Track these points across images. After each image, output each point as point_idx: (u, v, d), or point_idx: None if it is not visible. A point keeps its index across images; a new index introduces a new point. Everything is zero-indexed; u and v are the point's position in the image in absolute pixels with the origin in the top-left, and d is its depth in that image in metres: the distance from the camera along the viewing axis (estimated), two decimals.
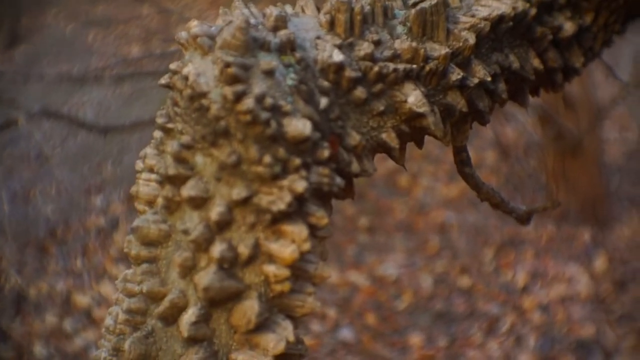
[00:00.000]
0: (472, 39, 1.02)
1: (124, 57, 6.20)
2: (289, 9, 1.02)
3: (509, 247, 4.47)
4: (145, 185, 0.93)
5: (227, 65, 0.86)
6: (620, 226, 4.57)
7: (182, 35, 0.93)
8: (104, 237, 4.43)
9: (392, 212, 4.96)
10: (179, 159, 0.90)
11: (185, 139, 0.90)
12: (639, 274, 4.13)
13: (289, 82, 0.90)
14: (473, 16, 1.05)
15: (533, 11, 1.10)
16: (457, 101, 1.04)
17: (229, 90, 0.86)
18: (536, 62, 1.14)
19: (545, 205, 1.34)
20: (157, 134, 0.94)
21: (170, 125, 0.92)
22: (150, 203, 0.93)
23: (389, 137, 1.00)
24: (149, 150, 0.95)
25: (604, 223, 4.60)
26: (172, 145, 0.90)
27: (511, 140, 5.48)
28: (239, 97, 0.86)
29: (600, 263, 4.25)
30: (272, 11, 0.95)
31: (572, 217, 4.60)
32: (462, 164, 1.21)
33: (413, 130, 1.03)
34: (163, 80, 0.94)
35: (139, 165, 0.95)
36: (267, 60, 0.89)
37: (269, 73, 0.88)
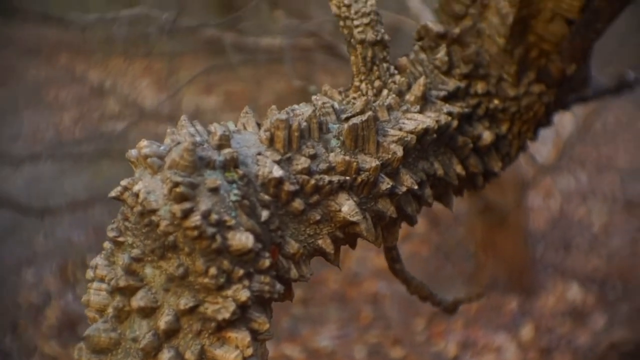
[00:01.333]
0: (399, 152, 1.11)
1: (56, 128, 6.18)
2: (231, 125, 1.09)
3: (440, 317, 4.57)
4: (96, 295, 0.98)
5: (176, 184, 0.93)
6: (546, 294, 4.72)
7: (133, 153, 1.00)
8: (35, 313, 4.36)
9: (326, 283, 5.02)
10: (129, 271, 0.96)
11: (136, 252, 0.96)
12: (563, 341, 4.27)
13: (233, 197, 0.97)
14: (400, 129, 1.14)
15: (455, 123, 1.20)
16: (387, 208, 1.13)
17: (177, 208, 0.92)
18: (459, 168, 1.24)
19: (470, 297, 1.43)
20: (108, 245, 1.00)
21: (120, 239, 0.98)
22: (101, 311, 0.98)
23: (325, 243, 1.08)
24: (99, 260, 1.00)
25: (530, 291, 4.75)
26: (122, 258, 0.96)
27: (441, 209, 5.63)
28: (186, 214, 0.92)
29: (526, 331, 4.37)
30: (217, 130, 1.03)
31: (500, 286, 4.73)
32: (393, 261, 1.30)
33: (347, 235, 1.11)
34: (113, 193, 1.00)
35: (90, 274, 1.00)
36: (212, 179, 0.96)
37: (214, 190, 0.95)
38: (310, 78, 3.79)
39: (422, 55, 1.28)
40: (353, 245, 1.17)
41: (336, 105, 1.18)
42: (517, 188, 4.61)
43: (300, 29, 3.17)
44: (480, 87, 1.25)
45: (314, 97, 1.22)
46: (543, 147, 4.63)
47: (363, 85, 1.24)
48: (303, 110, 1.12)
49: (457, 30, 1.25)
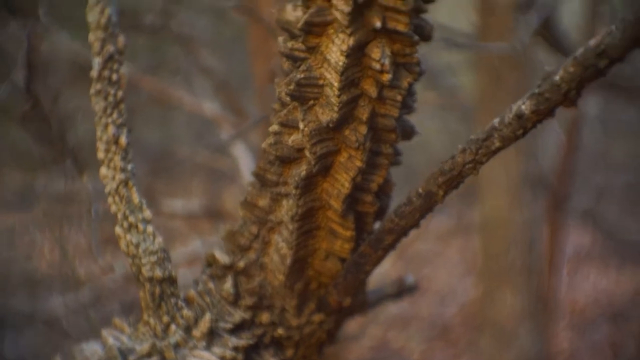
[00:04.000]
0: None
1: None
2: None
3: None
4: None
5: None
6: None
7: None
8: None
9: None
10: None
11: None
12: None
13: None
14: None
15: (240, 357, 1.26)
16: None
17: None
18: None
19: None
20: None
21: None
22: None
23: None
24: None
25: None
26: None
27: None
28: None
29: None
30: None
31: None
32: None
33: None
34: None
35: None
36: None
37: None
38: None
39: (210, 285, 1.34)
40: None
41: (125, 342, 1.21)
42: None
43: None
44: (264, 317, 1.32)
45: (104, 332, 1.24)
46: None
47: (152, 320, 1.27)
48: (91, 353, 1.14)
49: (241, 264, 1.33)
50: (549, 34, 3.22)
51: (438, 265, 5.85)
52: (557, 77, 1.01)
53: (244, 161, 2.92)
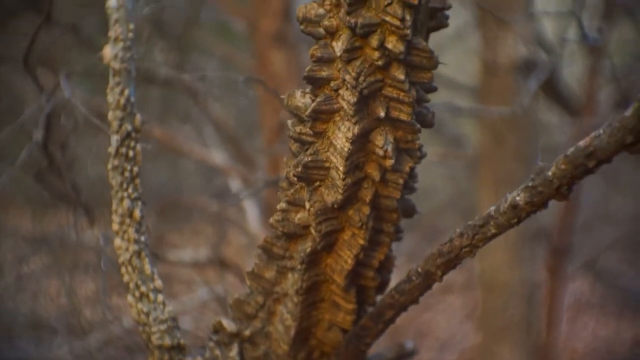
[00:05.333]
0: None
1: None
2: None
3: None
4: None
5: None
6: None
7: None
8: None
9: None
10: None
11: None
12: None
13: None
14: None
15: None
16: None
17: None
18: None
19: None
20: None
21: None
22: None
23: None
24: None
25: None
26: None
27: None
28: None
29: None
30: None
31: None
32: None
33: None
34: None
35: None
36: None
37: None
38: None
39: (217, 352, 1.40)
40: None
41: None
42: None
43: None
44: None
45: None
46: None
47: None
48: None
49: (247, 332, 1.38)
50: (551, 90, 3.30)
51: (438, 310, 5.88)
52: (549, 173, 1.07)
53: (251, 211, 2.99)
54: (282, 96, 1.28)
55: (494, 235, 1.16)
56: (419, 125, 1.23)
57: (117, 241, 1.33)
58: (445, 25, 1.22)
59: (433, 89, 1.24)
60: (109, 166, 1.33)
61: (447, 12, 1.22)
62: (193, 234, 3.74)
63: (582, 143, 1.02)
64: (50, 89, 1.66)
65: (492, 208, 1.16)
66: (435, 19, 1.21)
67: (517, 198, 1.12)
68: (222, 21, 3.64)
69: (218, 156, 3.15)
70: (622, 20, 3.43)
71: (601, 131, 1.00)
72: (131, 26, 1.31)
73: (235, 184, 3.05)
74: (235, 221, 3.18)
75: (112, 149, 1.32)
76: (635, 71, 3.61)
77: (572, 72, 3.58)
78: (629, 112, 0.96)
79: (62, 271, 2.84)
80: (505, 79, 2.64)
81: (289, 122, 1.28)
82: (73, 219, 2.27)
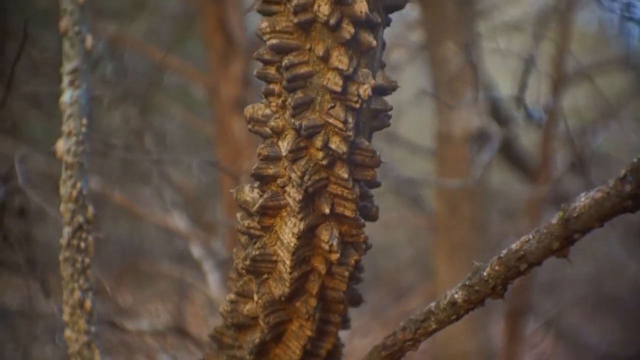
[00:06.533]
0: None
1: None
2: None
3: None
4: None
5: None
6: None
7: None
8: None
9: None
10: None
11: None
12: None
13: None
14: None
15: None
16: None
17: None
18: None
19: None
20: None
21: None
22: None
23: None
24: None
25: None
26: None
27: None
28: None
29: None
30: None
31: None
32: None
33: None
34: None
35: None
36: None
37: None
38: None
39: None
40: None
41: None
42: None
43: None
44: None
45: None
46: None
47: None
48: None
49: None
50: (507, 154, 3.38)
51: None
52: (485, 273, 1.11)
53: (212, 276, 3.00)
54: (231, 190, 1.31)
55: (435, 330, 1.20)
56: (363, 220, 1.27)
57: (67, 332, 1.34)
58: (388, 125, 1.27)
59: (377, 185, 1.28)
60: (61, 257, 1.35)
61: (390, 113, 1.26)
62: (153, 297, 3.73)
63: (514, 246, 1.07)
64: (4, 173, 1.67)
65: (433, 304, 1.19)
66: (377, 119, 1.25)
67: (456, 296, 1.15)
68: (183, 86, 3.69)
69: (178, 221, 3.16)
70: (576, 83, 3.54)
71: (530, 236, 1.05)
72: (84, 121, 1.34)
73: (196, 250, 3.06)
74: (195, 285, 3.19)
75: (64, 241, 1.34)
76: (589, 133, 3.71)
77: (529, 137, 3.67)
78: (554, 220, 1.01)
79: (18, 342, 2.81)
80: (459, 149, 2.70)
81: (238, 215, 1.32)
82: (28, 291, 2.26)
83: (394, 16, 1.26)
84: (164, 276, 3.43)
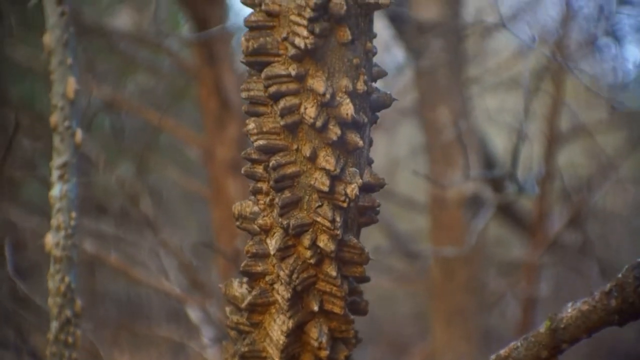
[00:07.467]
0: None
1: None
2: None
3: None
4: None
5: None
6: None
7: None
8: None
9: None
10: None
11: None
12: None
13: None
14: None
15: None
16: None
17: None
18: None
19: None
20: None
21: None
22: None
23: None
24: None
25: None
26: None
27: None
28: None
29: None
30: None
31: None
32: None
33: None
34: None
35: None
36: None
37: None
38: None
39: None
40: None
41: None
42: None
43: None
44: None
45: None
46: None
47: None
48: None
49: None
50: (505, 211, 3.38)
51: None
52: None
53: (209, 339, 2.98)
54: (220, 286, 1.30)
55: None
56: (352, 316, 1.26)
57: None
58: (375, 221, 1.27)
59: (366, 280, 1.28)
60: (47, 352, 1.34)
61: (378, 208, 1.26)
62: (149, 358, 3.70)
63: (502, 352, 1.06)
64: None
65: None
66: (365, 215, 1.26)
67: None
68: (178, 146, 3.71)
69: (173, 287, 3.15)
70: (572, 140, 3.56)
71: (519, 343, 1.04)
72: (73, 214, 1.34)
73: (193, 314, 3.05)
74: (191, 346, 3.17)
75: (51, 335, 1.33)
76: (585, 189, 3.71)
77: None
78: (542, 329, 1.01)
79: None
80: (454, 213, 2.70)
81: (227, 309, 1.31)
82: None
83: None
84: (160, 338, 3.41)
